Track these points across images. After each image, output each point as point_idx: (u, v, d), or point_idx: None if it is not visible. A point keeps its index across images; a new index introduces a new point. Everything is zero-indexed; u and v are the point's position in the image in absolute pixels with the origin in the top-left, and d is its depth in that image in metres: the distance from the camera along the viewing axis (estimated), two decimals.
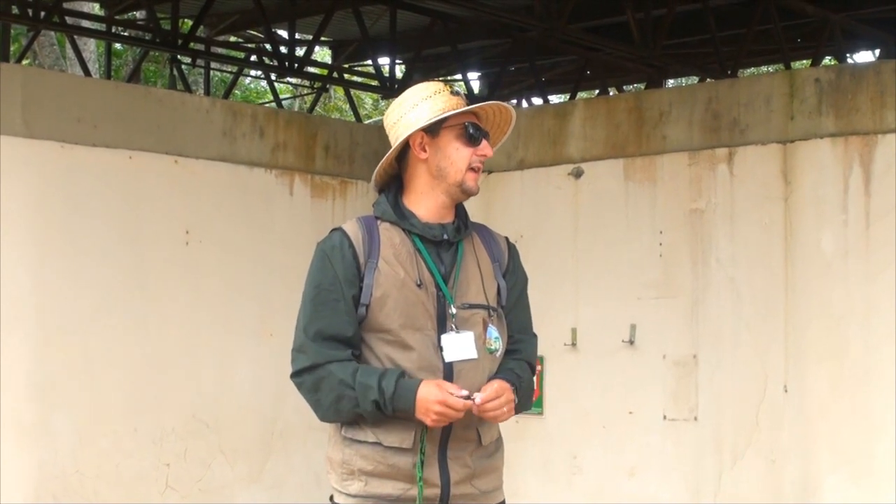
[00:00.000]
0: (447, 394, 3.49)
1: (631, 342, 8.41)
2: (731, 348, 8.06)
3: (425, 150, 3.67)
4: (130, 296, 8.26)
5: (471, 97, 13.67)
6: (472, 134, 3.67)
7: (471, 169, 3.68)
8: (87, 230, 8.07)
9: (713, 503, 8.06)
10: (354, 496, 3.64)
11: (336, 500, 3.70)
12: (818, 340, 7.73)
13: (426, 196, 3.70)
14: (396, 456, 3.59)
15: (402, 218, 3.69)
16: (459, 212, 3.79)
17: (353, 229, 3.68)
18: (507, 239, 3.93)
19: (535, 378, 3.92)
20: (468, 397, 3.52)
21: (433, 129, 3.65)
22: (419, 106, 3.66)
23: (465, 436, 3.63)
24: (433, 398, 3.48)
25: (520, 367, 3.75)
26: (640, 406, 8.38)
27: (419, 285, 3.62)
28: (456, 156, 3.66)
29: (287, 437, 8.86)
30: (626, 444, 8.44)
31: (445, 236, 3.69)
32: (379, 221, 3.70)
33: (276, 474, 8.91)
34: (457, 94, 3.70)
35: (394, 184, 3.77)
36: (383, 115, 3.92)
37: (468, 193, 3.72)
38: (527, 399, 3.80)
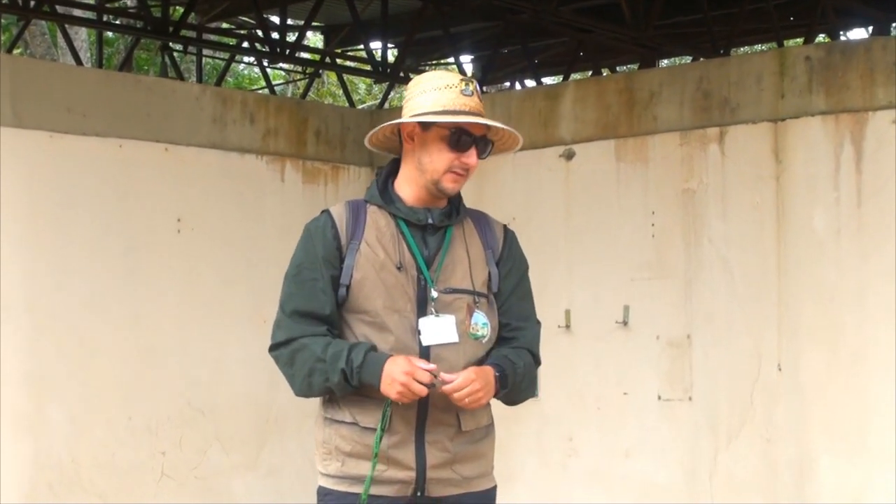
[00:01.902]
0: (413, 366, 3.49)
1: (625, 323, 8.40)
2: (725, 328, 8.05)
3: (413, 140, 3.68)
4: (123, 284, 8.24)
5: None
6: (459, 141, 3.65)
7: (451, 172, 3.67)
8: (78, 220, 8.05)
9: (709, 483, 8.05)
10: (333, 476, 3.69)
11: (318, 480, 3.75)
12: (811, 319, 7.72)
13: (412, 183, 3.72)
14: (373, 436, 3.60)
15: (389, 202, 3.71)
16: (453, 198, 3.79)
17: (338, 211, 3.73)
18: (505, 227, 3.92)
19: (537, 365, 3.89)
20: (435, 374, 3.51)
21: (425, 124, 3.65)
22: (427, 94, 3.67)
23: (444, 420, 3.64)
24: (399, 369, 3.48)
25: (516, 353, 3.74)
26: (634, 387, 8.37)
27: (399, 268, 3.64)
28: (437, 156, 3.66)
29: (282, 423, 8.86)
30: (621, 425, 8.43)
31: (430, 220, 3.70)
32: (368, 204, 3.73)
33: (272, 461, 8.91)
34: (469, 93, 3.68)
35: (390, 165, 3.80)
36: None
37: (444, 193, 3.72)
38: (528, 385, 3.80)
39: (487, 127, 3.71)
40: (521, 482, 8.78)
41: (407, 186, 3.72)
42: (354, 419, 3.63)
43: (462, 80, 3.70)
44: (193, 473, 8.56)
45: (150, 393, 8.34)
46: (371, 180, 3.85)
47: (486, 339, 3.72)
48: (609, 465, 8.46)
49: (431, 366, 3.52)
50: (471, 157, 3.67)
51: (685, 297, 8.20)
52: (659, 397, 8.26)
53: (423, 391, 3.50)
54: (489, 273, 3.77)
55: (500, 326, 3.77)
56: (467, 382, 3.54)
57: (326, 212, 3.74)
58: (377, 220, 3.69)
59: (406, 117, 3.68)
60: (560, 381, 8.68)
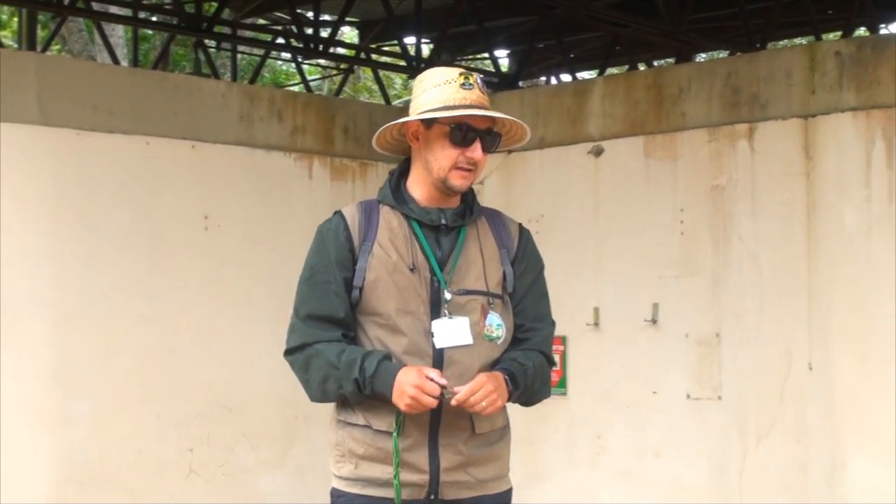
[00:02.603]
0: (424, 379, 3.45)
1: (653, 321, 8.34)
2: (755, 326, 7.97)
3: (418, 140, 3.66)
4: (150, 282, 8.26)
5: (499, 75, 13.65)
6: (461, 136, 3.60)
7: (457, 168, 3.62)
8: (105, 217, 8.07)
9: (738, 483, 7.98)
10: (346, 478, 3.66)
11: (332, 482, 3.72)
12: (842, 317, 7.62)
13: (423, 182, 3.69)
14: (385, 439, 3.58)
15: (401, 202, 3.68)
16: (466, 197, 3.74)
17: (350, 213, 3.69)
18: (520, 225, 3.86)
19: (550, 366, 3.82)
20: (445, 387, 3.47)
21: (428, 122, 3.62)
22: (427, 92, 3.64)
23: (457, 423, 3.60)
24: (409, 381, 3.45)
25: (525, 356, 3.69)
26: (663, 385, 8.31)
27: (412, 269, 3.60)
28: (441, 153, 3.62)
29: (310, 421, 8.84)
30: (649, 424, 8.37)
31: (443, 221, 3.66)
32: (381, 205, 3.69)
33: (300, 458, 8.90)
34: (469, 87, 3.62)
35: (401, 165, 3.77)
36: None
37: (453, 191, 3.67)
38: (541, 387, 3.76)
39: (493, 120, 3.66)
40: (549, 481, 8.74)
41: (418, 187, 3.69)
42: (367, 422, 3.60)
43: (461, 73, 3.65)
44: (221, 470, 8.56)
45: (178, 390, 8.35)
46: (384, 180, 3.81)
47: (500, 340, 3.68)
48: (638, 464, 8.40)
49: (443, 380, 3.48)
50: (475, 151, 3.61)
51: (714, 295, 8.12)
52: (688, 396, 8.19)
53: (433, 403, 3.46)
54: (504, 273, 3.72)
55: (515, 327, 3.73)
56: (479, 385, 3.50)
57: (339, 213, 3.71)
58: (390, 221, 3.65)
59: (407, 118, 3.65)
60: (588, 380, 8.64)
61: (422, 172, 3.67)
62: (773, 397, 7.87)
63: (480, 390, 3.49)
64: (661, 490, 8.27)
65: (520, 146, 3.89)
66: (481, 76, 3.76)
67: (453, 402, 3.49)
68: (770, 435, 7.88)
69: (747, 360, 7.99)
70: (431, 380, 3.46)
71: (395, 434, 3.55)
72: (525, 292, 3.76)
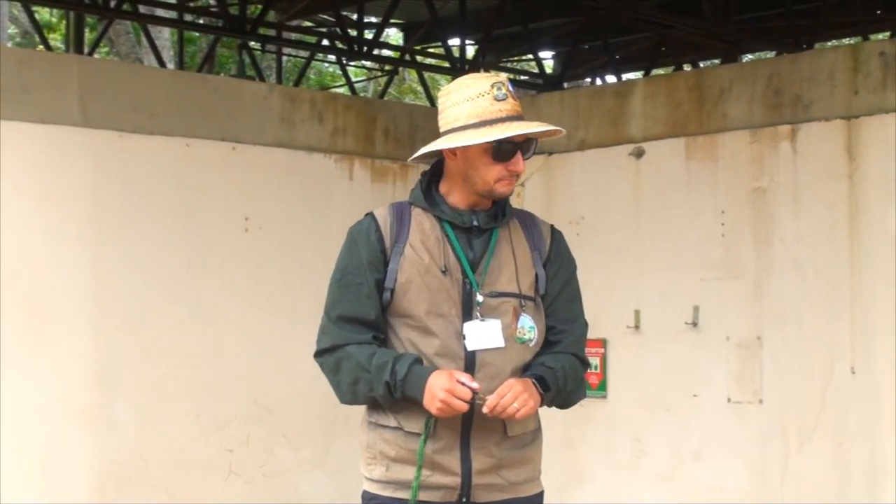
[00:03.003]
0: (455, 383, 3.43)
1: (694, 324, 8.27)
2: (796, 329, 7.89)
3: (455, 155, 3.62)
4: (190, 283, 8.30)
5: (543, 77, 13.63)
6: (503, 151, 3.56)
7: (500, 181, 3.60)
8: (146, 219, 8.11)
9: (780, 487, 7.90)
10: (377, 481, 3.65)
11: (363, 484, 3.71)
12: (885, 320, 7.52)
13: (458, 189, 3.67)
14: (417, 441, 3.56)
15: (433, 204, 3.66)
16: (498, 199, 3.71)
17: (382, 214, 3.68)
18: (552, 227, 3.83)
19: (584, 367, 3.80)
20: (477, 392, 3.45)
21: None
22: (459, 106, 3.58)
23: (489, 426, 3.58)
24: (440, 385, 3.44)
25: (554, 358, 3.67)
26: (704, 389, 8.25)
27: (444, 271, 3.58)
28: (484, 170, 3.58)
29: (350, 421, 8.76)
30: (690, 427, 8.31)
31: (476, 223, 3.64)
32: (412, 207, 3.68)
33: (340, 459, 8.91)
34: (503, 98, 3.57)
35: (433, 167, 3.75)
36: None
37: (499, 199, 3.66)
38: (574, 389, 3.74)
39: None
40: (589, 484, 8.71)
41: (453, 191, 3.67)
42: (399, 424, 3.59)
43: (493, 84, 3.58)
44: (261, 471, 8.59)
45: (218, 390, 8.39)
46: (416, 182, 3.79)
47: (533, 342, 3.66)
48: (678, 468, 8.35)
49: (474, 384, 3.45)
50: (518, 164, 3.58)
51: (756, 298, 8.05)
52: (729, 399, 8.13)
53: (464, 408, 3.44)
54: (536, 275, 3.70)
55: (547, 329, 3.71)
56: (508, 388, 3.48)
57: (370, 215, 3.69)
58: (422, 223, 3.64)
59: (443, 139, 3.58)
60: (629, 383, 8.60)
61: (459, 182, 3.64)
62: (815, 401, 7.79)
63: (509, 392, 3.47)
64: (701, 494, 8.20)
65: (554, 138, 3.84)
66: (509, 79, 3.72)
67: (485, 410, 3.47)
68: (812, 439, 7.80)
69: (789, 363, 7.91)
70: (462, 384, 3.44)
71: (423, 438, 3.53)
72: (557, 294, 3.74)
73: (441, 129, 3.63)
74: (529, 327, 3.64)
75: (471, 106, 3.56)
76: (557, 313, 3.74)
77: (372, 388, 3.53)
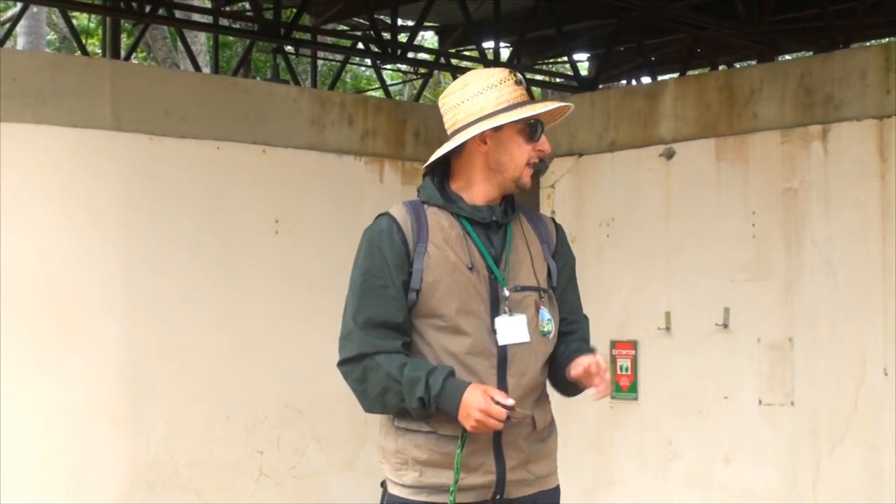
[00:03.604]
0: (490, 402, 3.41)
1: (725, 326, 8.23)
2: (828, 331, 7.83)
3: (485, 143, 3.61)
4: (220, 285, 8.33)
5: (578, 79, 13.60)
6: (533, 130, 3.62)
7: (528, 165, 3.63)
8: (176, 221, 8.15)
9: (811, 490, 7.85)
10: (409, 486, 3.61)
11: (390, 490, 3.66)
12: None
13: (477, 184, 3.66)
14: (451, 444, 3.54)
15: (450, 201, 3.64)
16: (507, 195, 3.73)
17: (400, 213, 3.64)
18: (553, 220, 3.88)
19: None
20: (513, 408, 3.44)
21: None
22: (484, 94, 3.60)
23: (520, 420, 3.57)
24: (474, 404, 3.41)
25: (585, 347, 3.70)
26: (735, 391, 8.20)
27: (471, 268, 3.57)
28: (517, 151, 3.61)
29: (380, 423, 8.86)
30: (721, 429, 8.26)
31: (494, 218, 3.64)
32: (425, 206, 3.66)
33: (370, 461, 8.83)
34: (520, 83, 3.64)
35: (439, 168, 3.73)
36: None
37: (522, 189, 3.68)
38: None
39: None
40: (620, 485, 8.68)
41: (471, 187, 3.65)
42: (432, 428, 3.55)
43: (510, 72, 3.66)
44: (291, 473, 8.61)
45: (248, 392, 8.41)
46: (420, 185, 3.76)
47: (551, 335, 3.67)
48: (709, 470, 8.30)
49: (510, 401, 3.44)
50: (545, 143, 3.65)
51: (787, 300, 8.00)
52: (760, 402, 8.08)
53: (498, 426, 3.43)
54: (548, 268, 3.73)
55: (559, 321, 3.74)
56: (600, 367, 3.53)
57: (387, 215, 3.65)
58: (440, 221, 3.61)
59: (480, 123, 3.57)
60: (659, 384, 8.56)
61: (482, 174, 3.63)
62: (847, 403, 7.73)
63: (606, 371, 3.55)
64: (732, 497, 8.15)
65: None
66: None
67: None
68: (844, 441, 7.74)
69: (821, 365, 7.85)
70: (497, 402, 3.42)
71: (459, 444, 3.52)
72: (565, 286, 3.78)
73: (460, 124, 3.62)
74: (548, 319, 3.66)
75: (496, 93, 3.59)
76: (567, 304, 3.77)
77: (403, 399, 3.49)
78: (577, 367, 3.54)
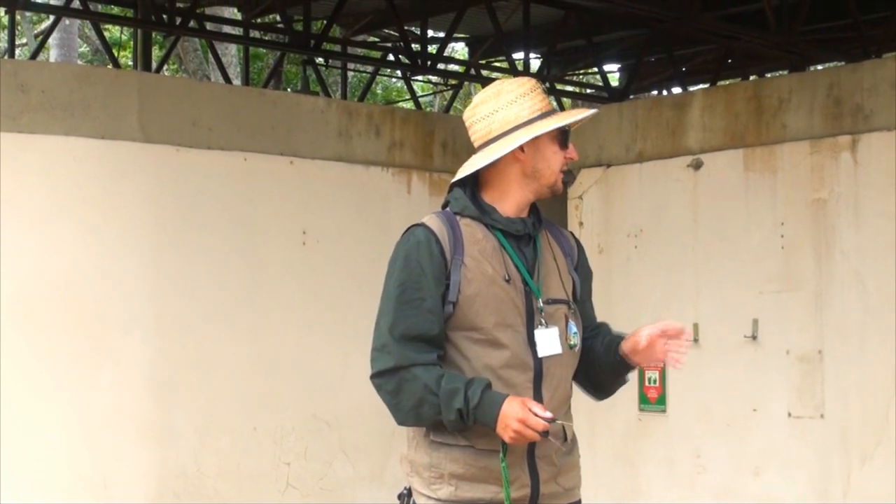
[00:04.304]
0: (528, 413, 3.40)
1: (753, 337, 8.17)
2: (858, 343, 7.76)
3: (523, 151, 3.61)
4: (248, 296, 8.34)
5: (609, 90, 13.58)
6: (565, 138, 3.67)
7: (560, 171, 3.69)
8: (204, 232, 8.17)
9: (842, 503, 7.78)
10: (445, 500, 3.57)
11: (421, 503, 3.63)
12: None
13: (512, 194, 3.65)
14: (488, 458, 3.52)
15: (484, 213, 3.63)
16: (532, 207, 3.73)
17: (436, 225, 3.60)
18: (572, 234, 3.90)
19: None
20: (552, 420, 3.43)
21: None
22: (517, 103, 3.61)
23: (554, 433, 3.54)
24: (513, 415, 3.40)
25: (623, 334, 3.74)
26: (764, 403, 8.14)
27: (507, 281, 3.57)
28: (553, 158, 3.65)
29: (409, 437, 8.85)
30: (750, 442, 8.20)
31: (527, 231, 3.64)
32: (458, 217, 3.64)
33: (398, 473, 8.80)
34: (546, 93, 3.73)
35: (468, 178, 3.70)
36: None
37: (555, 194, 3.73)
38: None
39: None
40: (648, 498, 8.63)
41: (505, 198, 3.64)
42: (469, 442, 3.53)
43: (535, 82, 3.71)
44: (319, 484, 8.60)
45: (275, 404, 8.42)
46: (452, 192, 3.74)
47: (577, 347, 3.68)
48: (737, 483, 8.23)
49: (548, 414, 3.42)
50: (573, 151, 3.70)
51: (816, 311, 7.94)
52: (789, 414, 8.01)
53: (537, 438, 3.42)
54: (573, 280, 3.74)
55: (584, 339, 3.75)
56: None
57: (423, 226, 3.61)
58: (474, 233, 3.60)
59: (510, 128, 3.60)
60: (688, 396, 8.50)
61: (518, 183, 3.63)
62: (879, 416, 7.65)
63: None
64: None
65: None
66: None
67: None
68: (875, 455, 7.66)
69: (851, 377, 7.78)
70: (536, 414, 3.41)
71: (502, 461, 3.49)
72: (587, 298, 3.81)
73: (495, 133, 3.62)
74: (574, 333, 3.67)
75: (529, 101, 3.62)
76: (588, 315, 3.80)
77: (439, 412, 3.47)
78: (641, 336, 3.60)
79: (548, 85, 4.00)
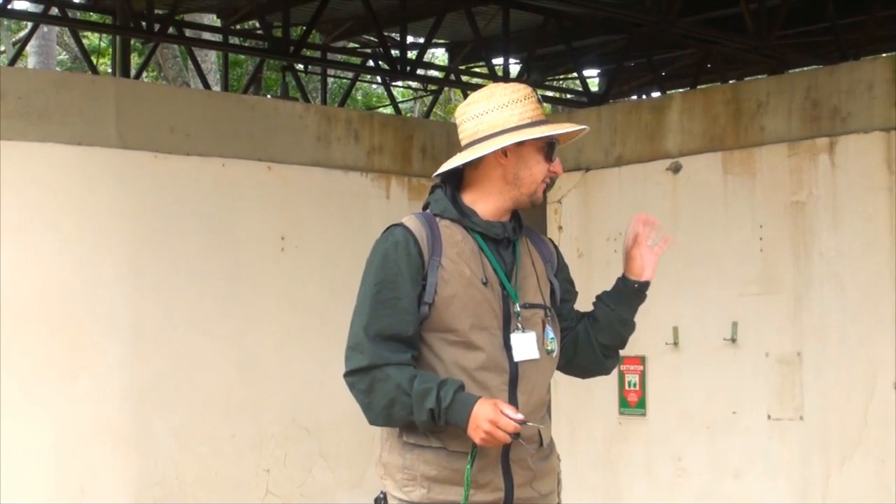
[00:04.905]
0: (500, 414, 3.38)
1: (733, 340, 8.18)
2: (837, 345, 7.78)
3: (506, 156, 3.60)
4: (227, 302, 8.32)
5: (588, 95, 13.59)
6: (551, 150, 3.65)
7: (542, 182, 3.65)
8: (182, 239, 8.15)
9: None
10: (417, 503, 3.55)
11: None
12: None
13: (492, 198, 3.64)
14: (461, 461, 3.49)
15: (463, 215, 3.61)
16: (514, 212, 3.72)
17: (415, 226, 3.59)
18: (552, 240, 3.90)
19: None
20: (523, 422, 3.41)
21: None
22: (508, 107, 3.60)
23: (528, 438, 3.53)
24: (484, 416, 3.38)
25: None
26: (743, 406, 8.15)
27: (485, 284, 3.55)
28: (536, 168, 3.62)
29: (382, 439, 8.83)
30: (730, 445, 8.20)
31: (507, 235, 3.63)
32: (438, 219, 3.62)
33: (377, 479, 8.86)
34: (540, 102, 3.66)
35: (450, 180, 3.69)
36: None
37: (534, 204, 3.70)
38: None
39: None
40: (629, 501, 8.62)
41: (485, 201, 3.63)
42: (442, 444, 3.51)
43: (531, 90, 3.68)
44: (299, 491, 8.58)
45: (254, 410, 8.39)
46: (433, 194, 3.73)
47: (555, 353, 3.66)
48: (718, 486, 8.24)
49: (519, 416, 3.41)
50: (558, 166, 3.68)
51: (795, 313, 7.95)
52: (769, 416, 8.02)
53: (507, 439, 3.39)
54: (551, 286, 3.73)
55: (563, 329, 3.74)
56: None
57: (402, 226, 3.60)
58: (453, 235, 3.59)
59: (498, 131, 3.57)
60: (668, 400, 8.51)
61: (498, 188, 3.62)
62: (857, 418, 7.67)
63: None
64: None
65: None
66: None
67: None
68: (854, 456, 7.68)
69: (830, 379, 7.80)
70: (507, 416, 3.39)
71: (469, 459, 3.48)
72: (568, 299, 3.81)
73: (482, 134, 3.60)
74: (552, 338, 3.65)
75: (520, 108, 3.60)
76: (569, 316, 3.80)
77: (411, 412, 3.45)
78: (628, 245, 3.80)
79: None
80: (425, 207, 3.72)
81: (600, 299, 3.80)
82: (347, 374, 3.59)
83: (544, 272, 3.72)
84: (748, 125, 8.26)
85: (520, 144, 3.57)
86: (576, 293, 3.85)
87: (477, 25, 11.67)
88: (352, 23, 12.40)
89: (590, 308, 3.83)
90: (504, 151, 3.57)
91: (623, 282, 3.80)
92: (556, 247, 3.87)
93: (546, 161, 3.62)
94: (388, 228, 3.64)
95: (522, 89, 3.65)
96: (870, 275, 7.67)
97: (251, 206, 8.47)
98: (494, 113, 3.59)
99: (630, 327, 3.84)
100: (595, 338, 3.77)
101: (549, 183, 3.74)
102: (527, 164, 3.60)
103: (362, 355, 3.53)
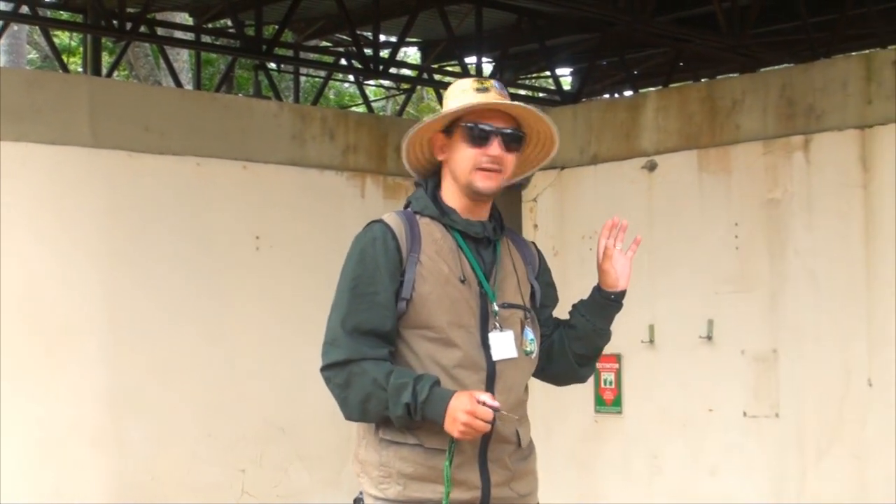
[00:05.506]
0: (476, 404, 3.35)
1: (709, 338, 8.21)
2: (812, 342, 7.81)
3: (443, 151, 3.59)
4: (202, 302, 8.29)
5: (561, 93, 13.59)
6: (476, 134, 3.52)
7: (480, 169, 3.54)
8: (157, 238, 8.11)
9: (797, 501, 7.82)
10: (392, 500, 3.52)
11: None
12: None
13: (455, 194, 3.61)
14: (438, 458, 3.47)
15: (443, 213, 3.60)
16: (494, 213, 3.70)
17: (394, 222, 3.58)
18: (534, 244, 3.86)
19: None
20: (499, 410, 3.38)
21: (448, 130, 3.55)
22: (459, 98, 3.55)
23: (506, 437, 3.54)
24: (461, 408, 3.35)
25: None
26: (719, 403, 8.17)
27: (462, 281, 3.53)
28: (461, 156, 3.54)
29: (359, 435, 8.81)
30: (706, 442, 8.23)
31: (486, 234, 3.61)
32: (418, 216, 3.61)
33: (354, 479, 8.84)
34: (484, 90, 3.54)
35: (432, 178, 3.68)
36: None
37: (479, 194, 3.58)
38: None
39: (514, 121, 3.58)
40: (605, 500, 8.63)
41: (450, 197, 3.62)
42: (419, 440, 3.49)
43: (476, 80, 3.60)
44: (275, 492, 8.56)
45: (230, 410, 8.36)
46: (411, 194, 3.74)
47: (534, 354, 3.64)
48: (694, 483, 8.26)
49: (495, 403, 3.39)
50: (492, 148, 3.53)
51: (770, 311, 7.98)
52: (744, 413, 8.05)
53: (486, 429, 3.37)
54: (532, 288, 3.71)
55: (543, 336, 3.71)
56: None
57: (381, 223, 3.58)
58: (432, 232, 3.57)
59: (416, 125, 3.60)
60: (644, 398, 8.53)
61: (452, 184, 3.60)
62: (832, 414, 7.71)
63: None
64: None
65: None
66: (499, 82, 3.68)
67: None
68: (829, 452, 7.72)
69: (805, 376, 7.84)
70: (484, 403, 3.38)
71: (448, 457, 3.46)
72: (548, 304, 3.79)
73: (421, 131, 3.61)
74: (531, 339, 3.63)
75: (455, 102, 3.54)
76: (547, 323, 3.77)
77: (387, 407, 3.43)
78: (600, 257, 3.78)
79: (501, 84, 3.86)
80: (406, 206, 3.71)
81: (576, 309, 3.76)
82: (324, 369, 3.57)
83: (525, 274, 3.70)
84: (723, 123, 8.28)
85: (450, 137, 3.54)
86: (556, 300, 3.81)
87: (450, 24, 11.66)
88: (324, 21, 12.37)
89: (566, 315, 3.82)
90: (442, 148, 3.57)
91: (599, 292, 3.76)
92: (538, 250, 3.83)
93: (472, 146, 3.51)
94: (367, 224, 3.63)
95: (465, 82, 3.59)
96: (844, 272, 7.71)
97: (226, 206, 8.44)
98: (449, 101, 3.58)
99: (606, 337, 3.80)
100: (570, 347, 3.74)
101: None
102: (455, 154, 3.55)
103: (339, 349, 3.50)
